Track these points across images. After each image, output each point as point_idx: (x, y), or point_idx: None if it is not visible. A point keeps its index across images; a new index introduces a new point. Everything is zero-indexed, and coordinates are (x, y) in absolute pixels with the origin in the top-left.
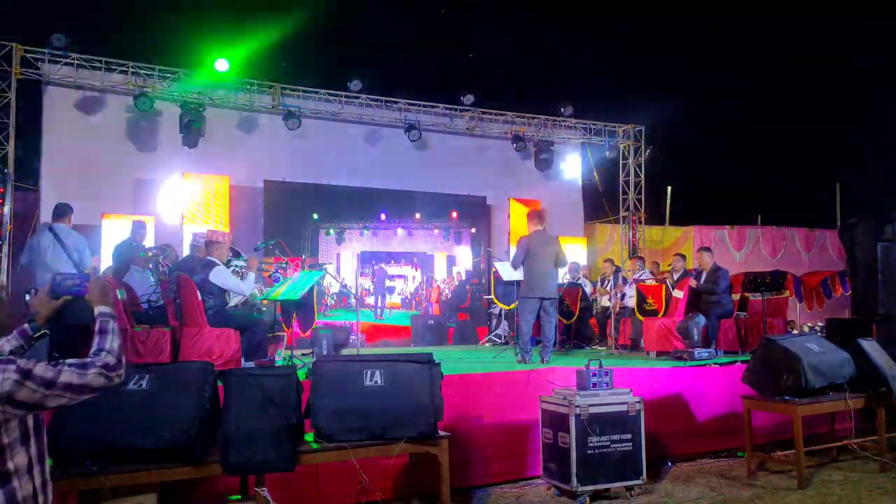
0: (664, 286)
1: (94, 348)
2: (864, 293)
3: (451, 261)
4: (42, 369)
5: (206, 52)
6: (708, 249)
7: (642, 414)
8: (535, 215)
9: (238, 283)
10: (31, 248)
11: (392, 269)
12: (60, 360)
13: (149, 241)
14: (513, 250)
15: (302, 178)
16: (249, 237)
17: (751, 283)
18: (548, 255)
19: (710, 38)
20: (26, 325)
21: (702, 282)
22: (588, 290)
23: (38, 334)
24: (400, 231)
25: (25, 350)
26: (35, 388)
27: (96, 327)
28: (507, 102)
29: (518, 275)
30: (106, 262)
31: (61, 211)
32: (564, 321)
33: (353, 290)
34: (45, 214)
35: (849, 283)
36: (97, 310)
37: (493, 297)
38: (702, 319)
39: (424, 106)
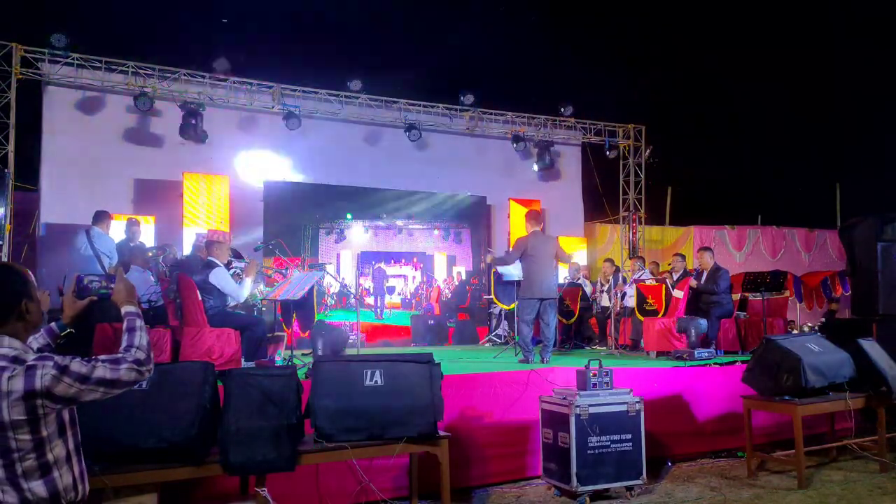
0: (664, 286)
1: (123, 345)
2: (864, 293)
3: (452, 261)
4: (77, 365)
5: (206, 52)
6: (708, 249)
7: (642, 414)
8: (533, 216)
9: (234, 288)
10: (71, 246)
11: (392, 269)
12: (94, 356)
13: (147, 241)
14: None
15: (302, 178)
16: (249, 237)
17: (751, 283)
18: (546, 255)
19: (711, 38)
20: (53, 324)
21: (702, 282)
22: (588, 290)
23: (64, 333)
24: (400, 231)
25: (52, 348)
26: (71, 383)
27: (124, 325)
28: (507, 102)
29: (517, 273)
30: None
31: (99, 217)
32: (564, 321)
33: (353, 290)
34: (46, 214)
35: (849, 283)
36: (124, 309)
37: (493, 297)
38: (702, 321)
39: (424, 106)
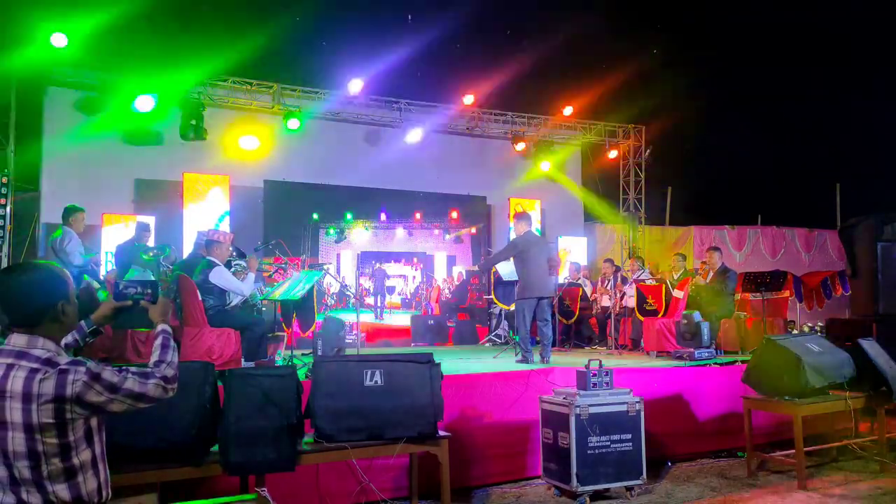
0: (664, 286)
1: (154, 359)
2: (864, 293)
3: (451, 261)
4: (109, 374)
5: (205, 52)
6: (717, 249)
7: (642, 414)
8: (524, 217)
9: (238, 284)
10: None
11: (392, 269)
12: (125, 367)
13: (149, 242)
14: None
15: (302, 178)
16: (249, 237)
17: (751, 283)
18: (542, 254)
19: (710, 38)
20: (83, 322)
21: (706, 281)
22: (588, 290)
23: (91, 330)
24: (400, 231)
25: (80, 346)
26: (101, 391)
27: (158, 341)
28: (507, 102)
29: (511, 270)
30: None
31: (64, 213)
32: (564, 321)
33: (353, 290)
34: (46, 214)
35: (849, 283)
36: (160, 326)
37: (493, 297)
38: (700, 318)
39: (424, 106)
